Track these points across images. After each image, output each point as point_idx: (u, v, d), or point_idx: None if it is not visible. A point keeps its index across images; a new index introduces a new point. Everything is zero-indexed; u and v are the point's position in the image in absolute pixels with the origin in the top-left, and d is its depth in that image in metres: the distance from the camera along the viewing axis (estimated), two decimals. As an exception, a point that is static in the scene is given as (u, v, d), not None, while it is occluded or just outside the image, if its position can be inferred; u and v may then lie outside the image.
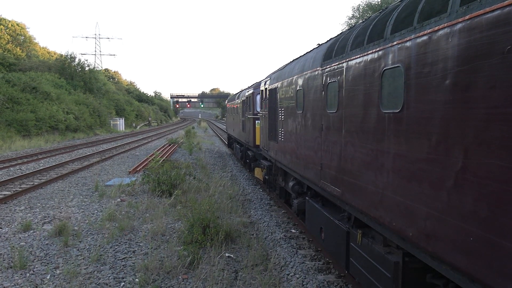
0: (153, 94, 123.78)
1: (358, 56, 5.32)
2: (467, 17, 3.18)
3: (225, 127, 47.59)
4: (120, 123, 57.32)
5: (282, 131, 9.86)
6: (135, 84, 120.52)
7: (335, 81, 6.18)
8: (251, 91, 16.77)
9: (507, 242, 2.77)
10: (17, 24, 55.26)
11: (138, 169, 18.11)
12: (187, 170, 14.80)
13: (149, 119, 79.22)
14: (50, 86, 42.60)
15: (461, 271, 3.25)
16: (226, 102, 34.73)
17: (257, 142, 15.27)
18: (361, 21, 6.24)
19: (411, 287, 4.47)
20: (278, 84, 10.46)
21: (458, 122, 3.28)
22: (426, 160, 3.72)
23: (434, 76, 3.59)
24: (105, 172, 17.64)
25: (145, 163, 19.48)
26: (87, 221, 9.77)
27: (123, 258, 7.52)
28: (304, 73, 7.94)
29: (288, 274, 7.11)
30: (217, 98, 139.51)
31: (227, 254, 7.76)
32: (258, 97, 15.54)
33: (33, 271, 6.90)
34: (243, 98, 19.15)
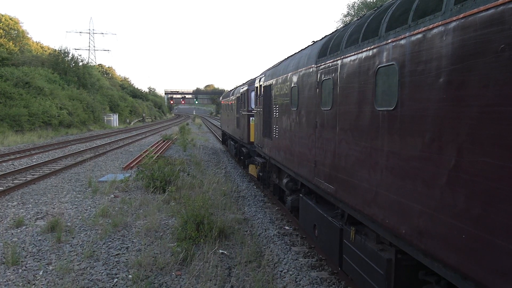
0: (147, 90, 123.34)
1: (353, 53, 5.33)
2: (461, 15, 3.19)
3: (219, 123, 47.52)
4: (114, 119, 57.04)
5: (277, 128, 9.86)
6: (129, 80, 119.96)
7: (329, 78, 6.18)
8: (245, 88, 16.74)
9: (499, 240, 2.80)
10: (10, 19, 54.72)
11: (132, 165, 18.04)
12: (181, 167, 14.78)
13: (143, 115, 78.95)
14: (44, 81, 42.29)
15: (453, 268, 3.27)
16: (220, 98, 34.66)
17: (252, 139, 15.26)
18: (356, 18, 6.24)
19: (403, 284, 4.50)
20: (273, 81, 10.45)
21: (451, 120, 3.30)
22: (420, 158, 3.73)
23: (428, 74, 3.60)
24: (98, 168, 17.55)
25: (139, 159, 19.42)
26: (80, 217, 9.73)
27: (116, 255, 7.50)
28: (299, 70, 7.93)
29: (281, 271, 7.13)
30: (211, 95, 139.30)
31: (220, 251, 7.77)
32: (253, 94, 15.52)
33: (26, 267, 6.87)
34: (237, 95, 19.13)
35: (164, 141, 29.26)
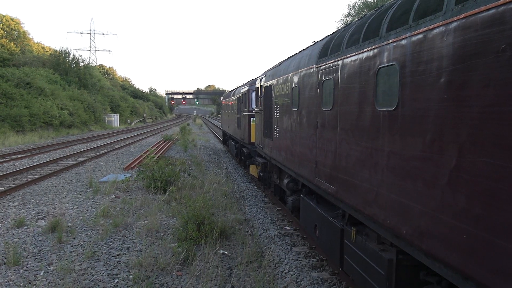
0: (148, 91, 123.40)
1: (354, 54, 5.32)
2: (462, 15, 3.19)
3: (220, 124, 47.53)
4: (115, 119, 57.08)
5: (277, 128, 9.86)
6: (130, 80, 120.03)
7: (330, 78, 6.18)
8: (246, 88, 16.75)
9: (500, 240, 2.79)
10: (12, 19, 54.80)
11: (132, 165, 18.05)
12: (182, 167, 14.79)
13: (144, 115, 78.99)
14: (44, 81, 42.31)
15: (454, 268, 3.27)
16: (221, 99, 34.67)
17: (252, 139, 15.26)
18: (356, 19, 6.24)
19: (404, 285, 4.49)
20: (274, 81, 10.45)
21: (452, 121, 3.29)
22: (421, 158, 3.73)
23: (429, 74, 3.60)
24: (99, 169, 17.57)
25: (139, 160, 19.43)
26: (81, 217, 9.74)
27: (117, 255, 7.50)
28: (300, 70, 7.93)
29: (282, 271, 7.12)
30: (212, 95, 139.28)
31: (221, 251, 7.77)
32: (253, 94, 15.53)
33: (27, 267, 6.87)
34: (238, 95, 19.13)
35: (165, 142, 29.26)
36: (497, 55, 2.81)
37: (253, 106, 15.44)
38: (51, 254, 7.48)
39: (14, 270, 6.73)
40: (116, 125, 56.38)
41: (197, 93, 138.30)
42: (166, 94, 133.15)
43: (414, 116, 3.85)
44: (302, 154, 7.72)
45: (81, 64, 55.85)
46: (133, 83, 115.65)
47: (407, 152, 3.96)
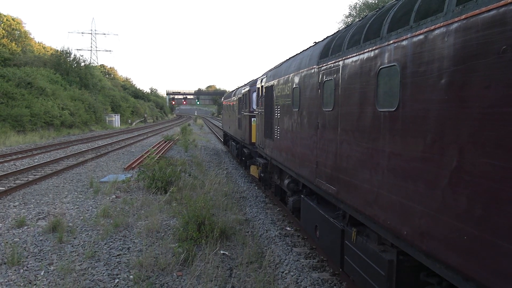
0: (149, 91, 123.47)
1: (355, 54, 5.32)
2: (463, 16, 3.19)
3: (221, 124, 47.55)
4: (116, 120, 57.13)
5: (278, 129, 9.86)
6: (131, 80, 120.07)
7: (331, 79, 6.18)
8: (247, 89, 16.75)
9: (501, 241, 2.79)
10: (13, 19, 54.87)
11: (133, 165, 18.05)
12: (183, 167, 14.79)
13: (145, 115, 79.04)
14: (45, 81, 42.37)
15: (455, 269, 3.27)
16: (222, 99, 34.69)
17: (253, 140, 15.26)
18: (358, 19, 6.24)
19: (405, 285, 4.49)
20: (275, 82, 10.45)
21: (453, 121, 3.29)
22: (421, 159, 3.73)
23: (430, 75, 3.60)
24: (100, 169, 17.57)
25: (140, 160, 19.43)
26: (82, 217, 9.74)
27: (117, 255, 7.50)
28: (301, 71, 7.93)
29: (282, 272, 7.12)
30: (213, 95, 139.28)
31: (222, 252, 7.77)
32: (254, 94, 15.53)
33: (27, 267, 6.88)
34: (239, 96, 19.13)
35: (165, 142, 29.26)
36: (498, 56, 2.81)
37: (254, 106, 15.44)
38: (51, 254, 7.48)
39: (15, 270, 6.73)
40: (117, 125, 56.42)
41: (198, 93, 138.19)
42: (167, 94, 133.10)
43: (415, 116, 3.85)
44: (302, 155, 7.72)
45: (82, 64, 55.96)
46: (134, 83, 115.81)
47: (408, 153, 3.96)
